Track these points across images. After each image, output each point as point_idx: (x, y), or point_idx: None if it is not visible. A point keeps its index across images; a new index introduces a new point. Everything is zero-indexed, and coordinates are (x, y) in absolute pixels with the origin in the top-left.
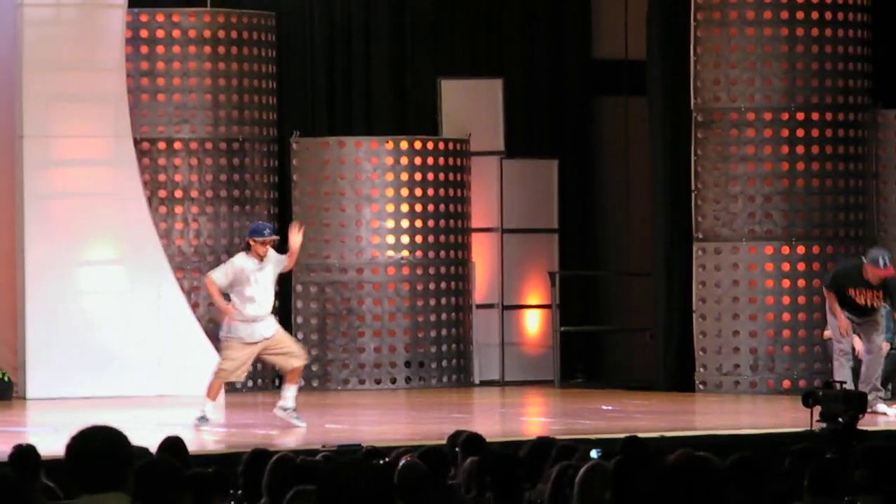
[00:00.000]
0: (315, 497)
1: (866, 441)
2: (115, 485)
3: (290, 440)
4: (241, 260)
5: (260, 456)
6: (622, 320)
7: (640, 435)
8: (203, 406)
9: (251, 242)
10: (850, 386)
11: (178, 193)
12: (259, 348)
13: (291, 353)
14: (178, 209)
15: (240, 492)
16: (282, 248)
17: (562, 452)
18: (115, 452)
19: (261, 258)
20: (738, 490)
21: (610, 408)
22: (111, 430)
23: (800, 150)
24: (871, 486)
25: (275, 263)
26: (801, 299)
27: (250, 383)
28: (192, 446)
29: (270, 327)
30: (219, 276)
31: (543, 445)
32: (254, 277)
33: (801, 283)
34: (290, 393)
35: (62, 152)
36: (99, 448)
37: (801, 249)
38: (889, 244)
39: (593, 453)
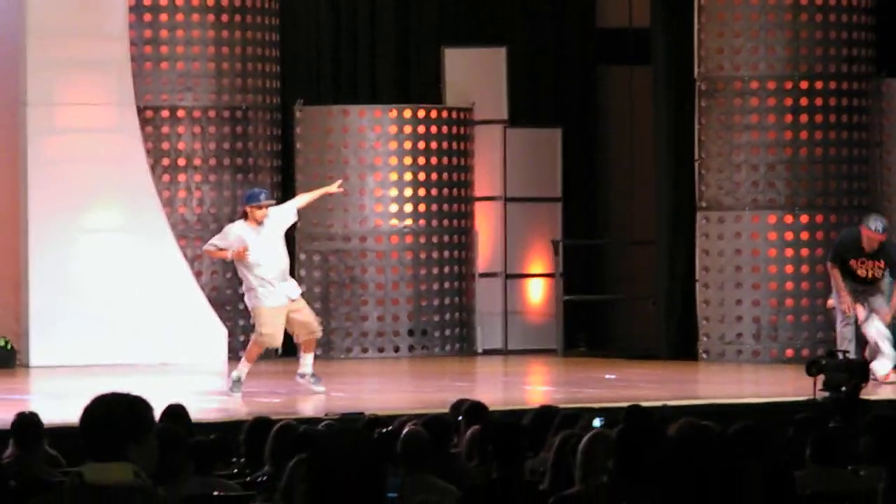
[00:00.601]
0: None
1: (871, 410)
2: (118, 454)
3: (292, 408)
4: (238, 227)
5: (261, 424)
6: (625, 289)
7: (643, 404)
8: (239, 369)
9: (248, 209)
10: (853, 355)
11: (182, 162)
12: (286, 310)
13: (308, 325)
14: (182, 177)
15: (242, 460)
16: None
17: (564, 421)
18: (126, 420)
19: (258, 223)
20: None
21: (613, 377)
22: (126, 398)
23: (803, 119)
24: (875, 455)
25: (279, 220)
26: (805, 268)
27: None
28: (199, 414)
29: (294, 290)
30: (211, 243)
31: (546, 414)
32: (256, 246)
33: (804, 252)
34: (307, 360)
35: (65, 120)
36: (106, 415)
37: (804, 218)
38: (892, 213)
39: (596, 422)
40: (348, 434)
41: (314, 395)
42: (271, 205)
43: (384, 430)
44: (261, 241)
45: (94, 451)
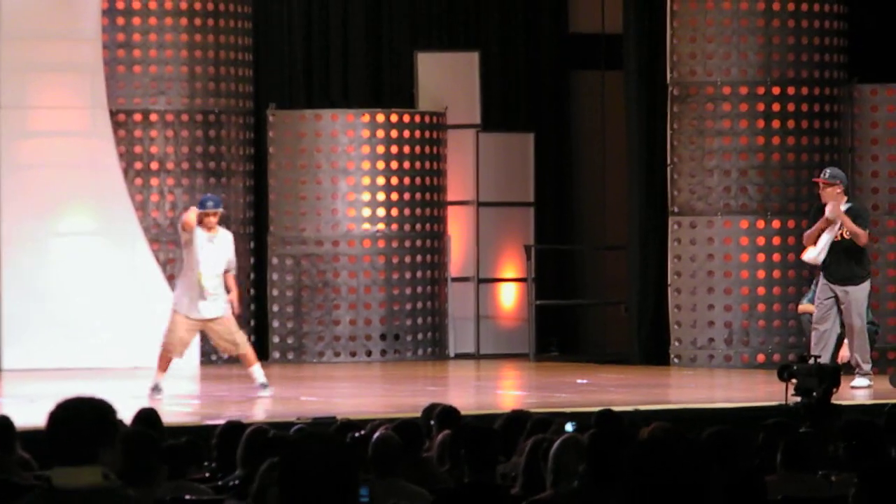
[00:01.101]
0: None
1: (842, 416)
2: (92, 457)
3: (264, 412)
4: (199, 228)
5: (234, 428)
6: (597, 294)
7: (615, 408)
8: (155, 378)
9: (199, 214)
10: (825, 360)
11: (154, 165)
12: (200, 327)
13: (235, 342)
14: (154, 181)
15: (213, 464)
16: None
17: (536, 426)
18: (94, 424)
19: (209, 230)
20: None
21: (585, 381)
22: (92, 402)
23: (775, 124)
24: (846, 461)
25: (224, 248)
26: (776, 273)
27: (225, 355)
28: (166, 418)
29: (216, 310)
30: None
31: (518, 419)
32: (203, 248)
33: (776, 257)
34: (256, 373)
35: (38, 123)
36: (75, 419)
37: (776, 224)
38: None
39: (568, 426)
40: (319, 437)
41: (266, 400)
42: (218, 213)
43: (356, 435)
44: (211, 250)
45: (62, 455)
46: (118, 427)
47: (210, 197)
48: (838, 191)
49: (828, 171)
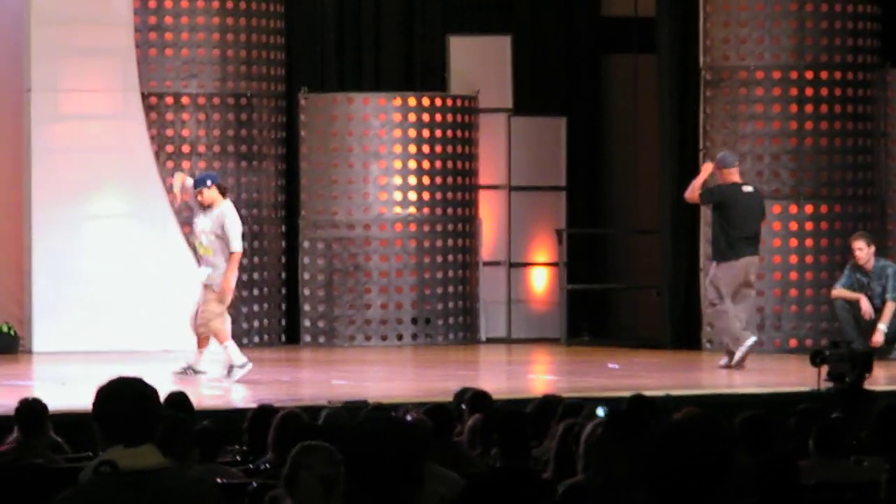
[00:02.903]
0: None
1: (875, 401)
2: (147, 437)
3: (295, 396)
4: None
5: (265, 411)
6: (629, 278)
7: (646, 393)
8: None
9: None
10: (857, 345)
11: (186, 149)
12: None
13: (201, 314)
14: (186, 164)
15: (244, 447)
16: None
17: (568, 410)
18: (148, 404)
19: (201, 206)
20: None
21: (616, 366)
22: (143, 382)
23: (808, 109)
24: (879, 446)
25: (216, 218)
26: (809, 258)
27: (256, 339)
28: (196, 401)
29: (203, 274)
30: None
31: (549, 403)
32: (197, 222)
33: (808, 242)
34: (199, 356)
35: (70, 106)
36: (132, 399)
37: (808, 208)
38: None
39: (599, 411)
40: (384, 421)
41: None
42: (201, 191)
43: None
44: (198, 223)
45: (125, 435)
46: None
47: (198, 177)
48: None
49: (730, 156)
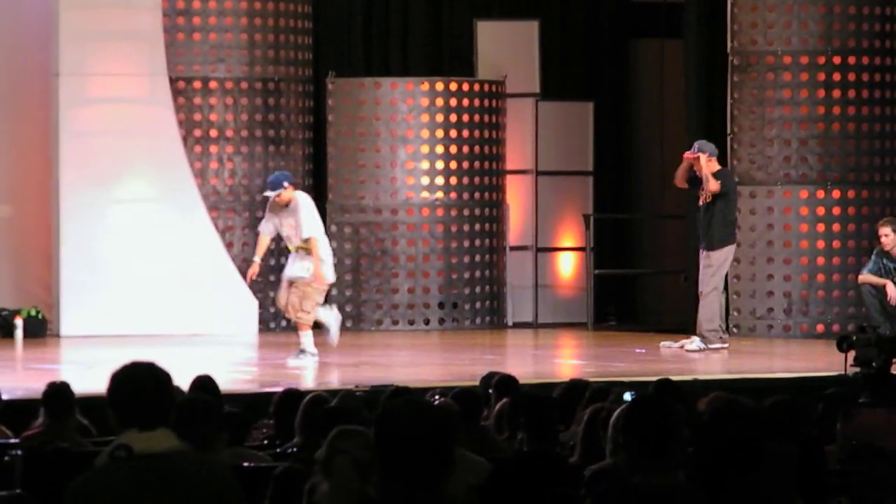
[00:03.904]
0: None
1: None
2: (161, 421)
3: (322, 380)
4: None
5: (292, 396)
6: (656, 263)
7: (673, 378)
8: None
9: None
10: (884, 330)
11: (213, 133)
12: (288, 286)
13: (293, 305)
14: (213, 149)
15: (272, 431)
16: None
17: (595, 395)
18: (162, 388)
19: (279, 207)
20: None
21: (643, 350)
22: (156, 367)
23: (836, 94)
24: None
25: (294, 213)
26: (836, 243)
27: (283, 323)
28: (224, 385)
29: (295, 270)
30: (321, 229)
31: (576, 388)
32: (282, 225)
33: (835, 227)
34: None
35: (97, 91)
36: (147, 383)
37: (836, 193)
38: None
39: (627, 396)
40: (414, 404)
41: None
42: (270, 195)
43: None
44: (283, 220)
45: (139, 419)
46: (174, 393)
47: (273, 180)
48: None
49: (696, 144)
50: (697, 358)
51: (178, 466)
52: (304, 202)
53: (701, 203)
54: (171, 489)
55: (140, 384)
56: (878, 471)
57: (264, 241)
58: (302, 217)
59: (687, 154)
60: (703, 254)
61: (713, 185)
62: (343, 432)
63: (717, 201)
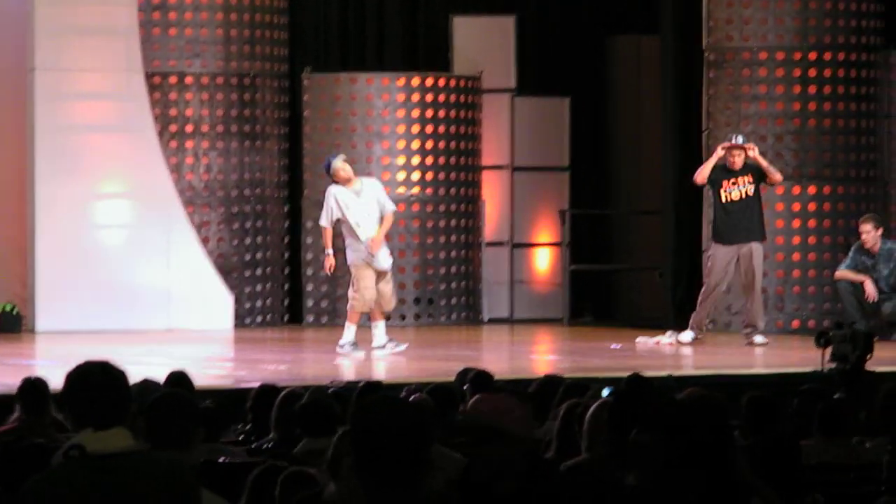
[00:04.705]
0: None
1: (876, 382)
2: (117, 420)
3: (298, 376)
4: (334, 189)
5: (267, 391)
6: (632, 259)
7: (648, 374)
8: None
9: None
10: (859, 326)
11: (189, 128)
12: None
13: (383, 295)
14: (189, 144)
15: (248, 426)
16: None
17: (570, 390)
18: (116, 387)
19: (348, 183)
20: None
21: (618, 346)
22: (111, 366)
23: (812, 90)
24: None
25: (372, 193)
26: (812, 239)
27: (258, 318)
28: (199, 381)
29: (386, 261)
30: (322, 219)
31: (551, 383)
32: (352, 203)
33: (811, 223)
34: (376, 331)
35: (73, 86)
36: (101, 383)
37: (812, 189)
38: None
39: (605, 392)
40: (390, 401)
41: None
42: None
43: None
44: (360, 202)
45: (94, 418)
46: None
47: (327, 158)
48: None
49: (740, 136)
50: (672, 354)
51: (133, 466)
52: (328, 194)
53: (738, 197)
54: (126, 489)
55: (94, 383)
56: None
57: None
58: (324, 209)
59: (725, 144)
60: (749, 247)
61: (778, 176)
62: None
63: (757, 193)
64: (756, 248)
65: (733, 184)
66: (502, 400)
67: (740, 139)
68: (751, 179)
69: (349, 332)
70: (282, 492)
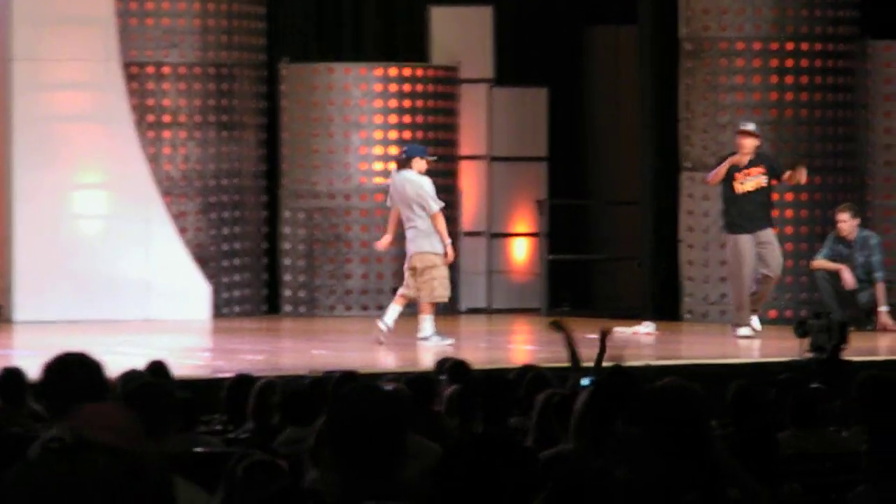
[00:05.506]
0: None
1: (853, 371)
2: None
3: (275, 366)
4: (426, 178)
5: (243, 381)
6: (610, 249)
7: (627, 363)
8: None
9: (423, 160)
10: (836, 316)
11: (167, 118)
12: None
13: (409, 286)
14: (167, 134)
15: (224, 416)
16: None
17: (547, 380)
18: (93, 378)
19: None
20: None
21: (596, 336)
22: (88, 357)
23: (788, 80)
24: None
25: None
26: (789, 229)
27: (236, 308)
28: (177, 371)
29: (411, 246)
30: (435, 204)
31: (529, 373)
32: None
33: (788, 213)
34: (423, 324)
35: (51, 75)
36: (78, 374)
37: None
38: (876, 175)
39: (584, 382)
40: (367, 390)
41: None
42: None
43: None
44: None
45: (71, 408)
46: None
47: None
48: (757, 143)
49: (750, 123)
50: (650, 343)
51: (112, 458)
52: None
53: (754, 188)
54: (103, 481)
55: (72, 375)
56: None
57: None
58: (419, 192)
59: (745, 135)
60: (765, 233)
61: (804, 176)
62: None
63: (769, 184)
64: (771, 234)
65: (746, 175)
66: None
67: (750, 126)
68: (763, 171)
69: (428, 322)
70: (246, 480)
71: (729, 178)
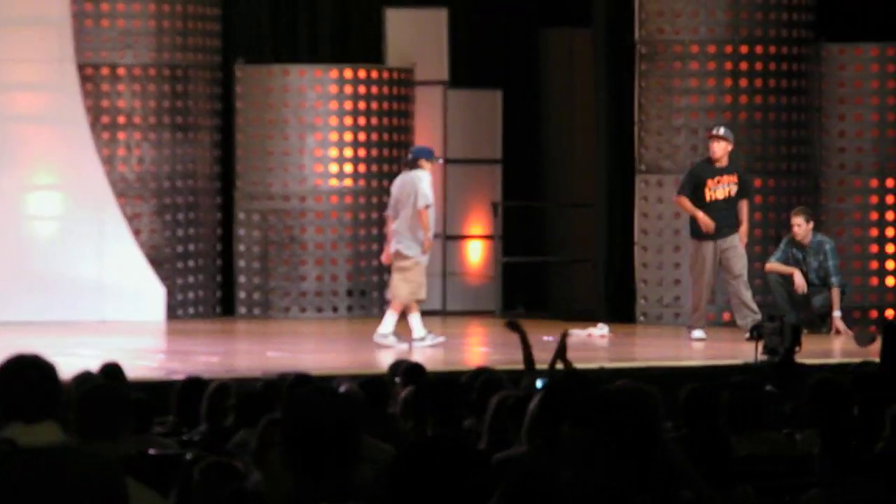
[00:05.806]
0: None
1: (805, 374)
2: (47, 413)
3: (229, 368)
4: (426, 174)
5: (193, 383)
6: (565, 251)
7: (581, 366)
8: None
9: (429, 162)
10: (789, 319)
11: (122, 119)
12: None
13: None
14: (121, 135)
15: (175, 418)
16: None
17: (500, 382)
18: (47, 380)
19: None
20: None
21: (551, 338)
22: (41, 359)
23: (743, 83)
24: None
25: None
26: None
27: (191, 310)
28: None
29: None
30: (426, 199)
31: (483, 375)
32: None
33: None
34: (385, 321)
35: (5, 76)
36: (31, 376)
37: None
38: (831, 178)
39: (539, 383)
40: (321, 392)
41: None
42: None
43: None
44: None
45: (23, 412)
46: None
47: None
48: (729, 148)
49: (721, 127)
50: (604, 346)
51: (62, 460)
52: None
53: (723, 196)
54: (55, 483)
55: (24, 377)
56: None
57: None
58: (418, 190)
59: (715, 139)
60: (730, 239)
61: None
62: (274, 422)
63: (738, 194)
64: (735, 238)
65: (718, 182)
66: None
67: (722, 131)
68: (735, 180)
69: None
70: (203, 482)
71: (700, 185)
